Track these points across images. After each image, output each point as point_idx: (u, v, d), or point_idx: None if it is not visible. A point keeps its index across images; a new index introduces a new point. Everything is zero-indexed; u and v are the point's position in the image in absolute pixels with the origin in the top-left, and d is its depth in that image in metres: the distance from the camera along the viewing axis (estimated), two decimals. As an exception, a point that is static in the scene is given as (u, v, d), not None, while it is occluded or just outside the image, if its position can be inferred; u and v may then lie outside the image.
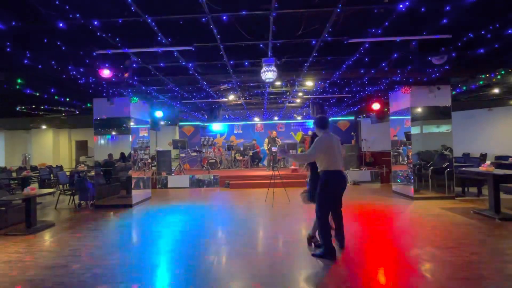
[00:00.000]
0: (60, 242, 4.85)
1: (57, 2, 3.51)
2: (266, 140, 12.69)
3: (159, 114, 9.40)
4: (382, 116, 9.56)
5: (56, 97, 7.83)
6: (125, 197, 7.73)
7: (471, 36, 4.67)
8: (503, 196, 5.82)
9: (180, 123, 15.11)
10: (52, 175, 11.17)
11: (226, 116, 13.84)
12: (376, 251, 4.03)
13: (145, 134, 8.82)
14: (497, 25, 4.33)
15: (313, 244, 4.21)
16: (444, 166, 7.43)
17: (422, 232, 4.92)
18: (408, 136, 7.78)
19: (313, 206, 4.00)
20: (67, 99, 8.34)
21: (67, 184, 9.52)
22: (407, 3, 3.74)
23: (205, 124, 15.05)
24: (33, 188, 5.80)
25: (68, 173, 10.43)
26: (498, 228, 4.90)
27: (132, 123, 7.85)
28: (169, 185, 10.84)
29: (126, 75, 5.18)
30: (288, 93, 9.32)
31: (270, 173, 9.18)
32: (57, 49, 4.72)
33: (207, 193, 9.63)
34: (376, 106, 9.24)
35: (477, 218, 5.49)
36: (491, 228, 4.90)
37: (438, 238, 4.48)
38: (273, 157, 11.72)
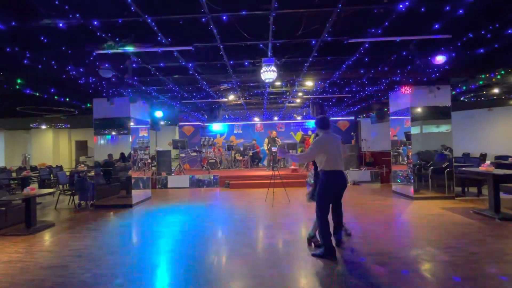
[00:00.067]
0: (60, 242, 4.85)
1: (57, 2, 3.52)
2: (266, 140, 12.67)
3: (159, 114, 9.41)
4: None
5: (56, 97, 7.84)
6: (125, 197, 7.73)
7: (471, 36, 4.68)
8: (503, 196, 5.82)
9: (180, 123, 15.11)
10: (52, 175, 11.15)
11: (226, 116, 13.84)
12: (376, 251, 4.03)
13: (145, 134, 8.81)
14: (497, 25, 4.33)
15: (313, 244, 4.21)
16: (444, 166, 7.44)
17: (422, 232, 4.92)
18: (408, 136, 7.78)
19: (314, 206, 4.00)
20: (67, 99, 8.35)
21: (67, 184, 9.51)
22: (407, 3, 3.74)
23: (205, 124, 15.04)
24: (33, 188, 5.80)
25: (68, 173, 10.41)
26: (498, 228, 4.90)
27: (132, 123, 7.84)
28: (169, 185, 10.82)
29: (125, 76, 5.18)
30: (288, 93, 9.32)
31: (270, 173, 9.18)
32: (57, 49, 4.72)
33: (207, 193, 9.63)
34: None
35: (477, 218, 5.49)
36: (491, 228, 4.90)
37: (438, 238, 4.48)
38: (273, 157, 11.71)
